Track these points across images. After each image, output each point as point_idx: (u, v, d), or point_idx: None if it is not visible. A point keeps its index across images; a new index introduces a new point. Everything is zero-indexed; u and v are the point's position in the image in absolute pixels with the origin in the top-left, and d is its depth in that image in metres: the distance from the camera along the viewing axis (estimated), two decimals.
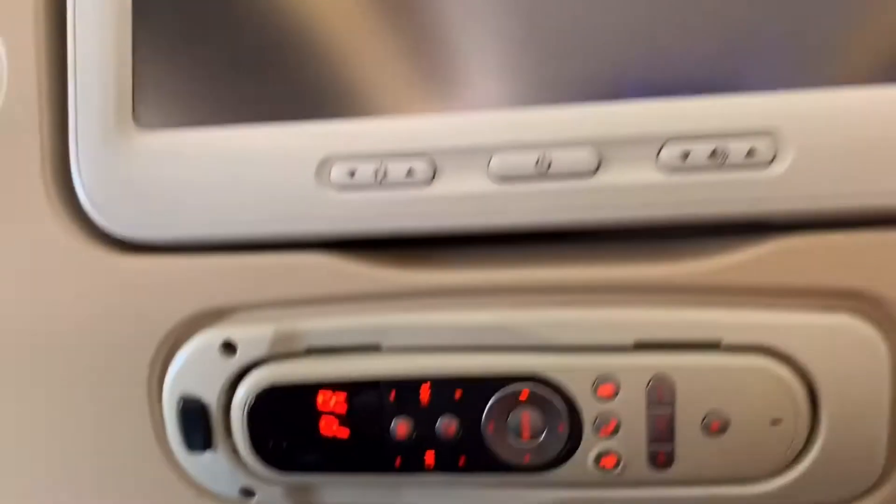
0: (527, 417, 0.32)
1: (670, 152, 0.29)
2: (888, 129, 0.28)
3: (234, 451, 0.34)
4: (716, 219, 0.29)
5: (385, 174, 0.30)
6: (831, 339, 0.30)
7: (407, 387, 0.32)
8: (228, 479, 0.35)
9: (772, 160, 0.29)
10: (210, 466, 0.34)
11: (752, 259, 0.30)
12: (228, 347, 0.32)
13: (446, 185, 0.30)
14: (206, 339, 0.33)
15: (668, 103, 0.29)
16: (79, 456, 0.36)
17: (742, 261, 0.30)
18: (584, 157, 0.30)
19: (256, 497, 0.35)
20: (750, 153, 0.28)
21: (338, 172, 0.31)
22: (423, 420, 0.32)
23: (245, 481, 0.34)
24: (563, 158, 0.30)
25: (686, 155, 0.29)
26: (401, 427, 0.32)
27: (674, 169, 0.29)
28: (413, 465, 0.33)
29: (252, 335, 0.32)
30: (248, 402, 0.32)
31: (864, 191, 0.28)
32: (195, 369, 0.33)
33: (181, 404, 0.33)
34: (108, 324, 0.33)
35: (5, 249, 0.33)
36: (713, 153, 0.29)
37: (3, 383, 0.35)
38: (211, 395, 0.33)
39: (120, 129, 0.32)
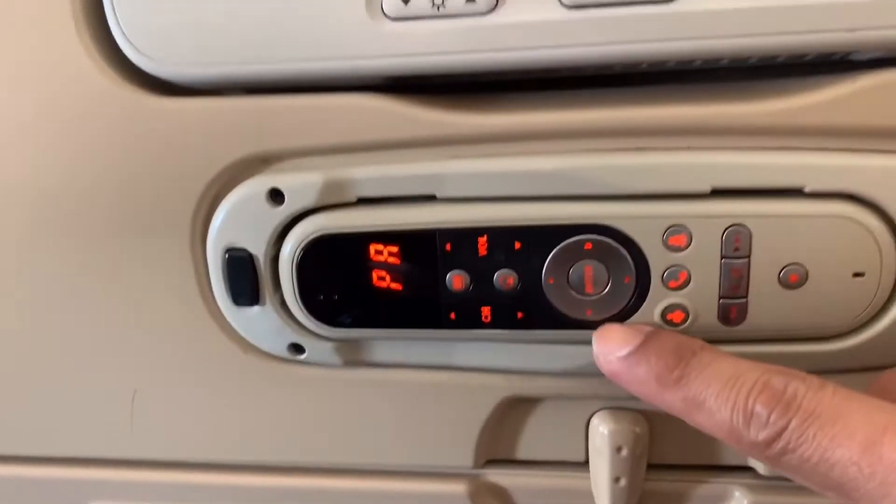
0: (590, 270, 0.30)
1: None
2: None
3: (283, 304, 0.33)
4: (807, 46, 0.27)
5: (443, 1, 0.28)
6: None
7: (463, 237, 0.30)
8: (276, 334, 0.33)
9: None
10: (257, 321, 0.33)
11: (839, 96, 0.28)
12: (276, 195, 0.31)
13: (511, 12, 0.27)
14: (252, 188, 0.31)
15: None
16: (118, 312, 0.35)
17: (828, 98, 0.28)
18: None
19: (305, 353, 0.34)
20: None
21: (390, 1, 0.28)
22: (480, 272, 0.30)
23: (293, 337, 0.33)
24: None
25: None
26: (456, 280, 0.31)
27: None
28: (468, 319, 0.31)
29: (300, 183, 0.30)
30: (297, 253, 0.31)
31: None
32: (241, 219, 0.31)
33: (227, 256, 0.32)
34: (147, 172, 0.31)
35: (34, 92, 0.31)
36: None
37: (39, 237, 0.33)
38: (258, 247, 0.31)
39: None
